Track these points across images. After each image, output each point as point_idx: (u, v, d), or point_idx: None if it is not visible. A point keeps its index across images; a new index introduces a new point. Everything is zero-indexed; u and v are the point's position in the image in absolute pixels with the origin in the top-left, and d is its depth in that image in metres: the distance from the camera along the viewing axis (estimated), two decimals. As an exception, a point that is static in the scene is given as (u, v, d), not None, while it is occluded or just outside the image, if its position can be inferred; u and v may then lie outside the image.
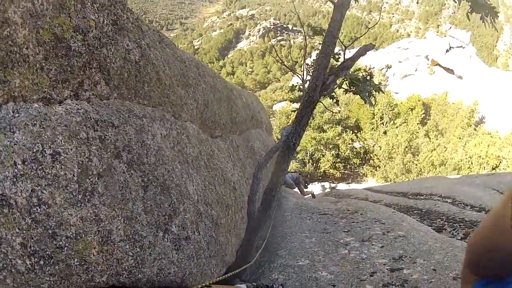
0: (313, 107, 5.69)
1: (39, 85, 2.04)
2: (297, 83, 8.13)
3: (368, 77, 6.43)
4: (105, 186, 2.26)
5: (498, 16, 6.00)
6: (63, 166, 1.99)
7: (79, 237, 2.00)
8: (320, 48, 5.70)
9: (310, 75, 6.25)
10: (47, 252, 1.84)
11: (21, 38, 1.89)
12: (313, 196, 14.40)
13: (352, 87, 6.21)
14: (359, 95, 6.14)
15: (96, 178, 2.20)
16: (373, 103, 6.47)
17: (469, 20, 6.30)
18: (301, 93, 7.60)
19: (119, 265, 2.28)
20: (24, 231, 1.76)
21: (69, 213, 1.97)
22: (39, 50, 2.01)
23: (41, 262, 1.81)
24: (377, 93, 6.30)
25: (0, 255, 1.67)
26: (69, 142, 2.07)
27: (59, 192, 1.94)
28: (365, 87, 6.01)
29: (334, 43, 5.62)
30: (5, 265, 1.68)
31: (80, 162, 2.12)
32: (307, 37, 7.53)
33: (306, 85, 6.61)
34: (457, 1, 6.06)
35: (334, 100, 6.60)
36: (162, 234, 2.77)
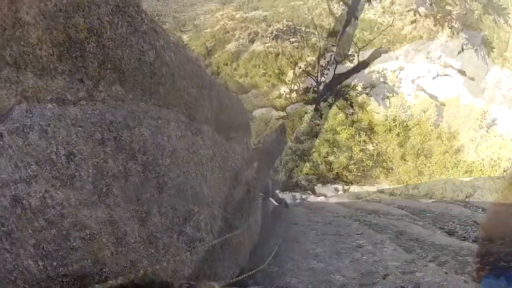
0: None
1: (53, 85, 2.04)
2: (311, 85, 8.10)
3: (382, 79, 6.40)
4: (120, 188, 2.25)
5: (509, 17, 5.95)
6: (78, 167, 1.99)
7: (93, 238, 1.99)
8: (334, 50, 5.68)
9: (324, 77, 6.23)
10: (61, 253, 1.83)
11: (34, 38, 1.89)
12: (286, 205, 14.04)
13: (366, 89, 6.18)
14: (373, 97, 6.12)
15: (111, 179, 2.19)
16: (387, 105, 6.44)
17: (482, 22, 6.28)
18: (315, 95, 7.59)
19: (133, 266, 2.26)
20: (37, 232, 1.76)
21: (84, 214, 1.96)
22: (53, 51, 2.01)
23: (54, 263, 1.80)
24: (390, 95, 6.27)
25: (11, 255, 1.67)
26: (84, 143, 2.07)
27: (74, 193, 1.93)
28: (378, 89, 5.98)
29: (349, 46, 5.60)
30: (16, 266, 1.67)
31: (95, 163, 2.11)
32: (320, 38, 7.51)
33: (321, 87, 6.60)
34: (469, 3, 6.04)
35: (348, 102, 6.58)
36: (176, 236, 2.75)
